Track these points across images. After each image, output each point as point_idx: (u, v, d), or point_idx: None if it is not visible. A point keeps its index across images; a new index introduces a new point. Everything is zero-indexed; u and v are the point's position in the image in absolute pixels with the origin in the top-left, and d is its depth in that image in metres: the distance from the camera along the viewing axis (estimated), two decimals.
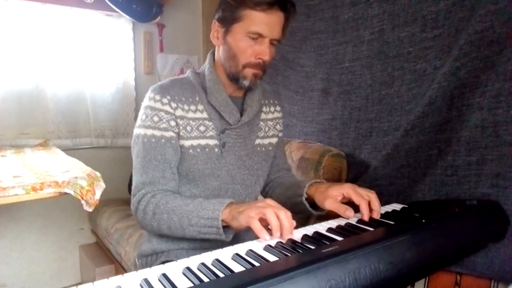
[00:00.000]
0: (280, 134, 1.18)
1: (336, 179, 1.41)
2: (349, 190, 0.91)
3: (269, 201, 0.81)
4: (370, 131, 1.39)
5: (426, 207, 1.09)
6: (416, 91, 1.23)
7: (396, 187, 1.29)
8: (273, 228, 0.75)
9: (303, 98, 1.69)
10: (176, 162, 0.99)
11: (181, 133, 0.98)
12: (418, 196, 1.22)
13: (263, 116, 1.12)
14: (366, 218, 0.88)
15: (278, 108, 1.18)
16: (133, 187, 0.98)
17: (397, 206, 1.06)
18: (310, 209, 1.01)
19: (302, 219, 1.21)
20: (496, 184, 1.04)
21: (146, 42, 2.25)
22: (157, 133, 0.96)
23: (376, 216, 0.90)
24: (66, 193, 1.06)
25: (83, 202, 1.08)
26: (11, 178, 1.10)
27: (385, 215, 0.97)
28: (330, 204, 0.91)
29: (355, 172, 1.44)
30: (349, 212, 0.87)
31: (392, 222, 0.88)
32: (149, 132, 0.97)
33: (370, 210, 0.90)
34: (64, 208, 2.06)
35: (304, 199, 1.00)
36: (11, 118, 1.86)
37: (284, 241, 0.76)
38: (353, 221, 0.90)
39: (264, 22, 0.91)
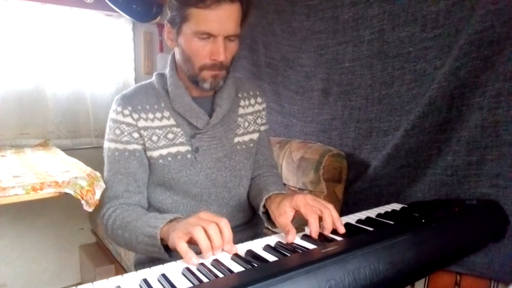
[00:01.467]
0: (262, 128, 1.08)
1: (336, 179, 1.41)
2: (298, 202, 0.79)
3: (202, 214, 0.72)
4: (370, 131, 1.39)
5: (426, 207, 1.09)
6: (416, 91, 1.23)
7: (396, 187, 1.29)
8: (203, 250, 0.67)
9: (303, 98, 1.69)
10: (142, 174, 0.95)
11: (146, 144, 0.93)
12: (418, 196, 1.22)
13: (241, 111, 1.03)
14: (313, 234, 0.76)
15: (259, 99, 1.08)
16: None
17: (397, 206, 1.06)
18: (267, 224, 0.94)
19: (301, 219, 1.21)
20: (496, 184, 1.04)
21: (146, 42, 2.25)
22: (120, 146, 0.93)
23: (327, 233, 0.78)
24: (66, 193, 1.06)
25: (83, 202, 1.08)
26: (11, 178, 1.10)
27: (385, 215, 0.97)
28: (281, 221, 0.80)
29: (355, 172, 1.44)
30: (290, 236, 0.75)
31: (391, 222, 0.88)
32: (112, 145, 0.94)
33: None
34: (64, 208, 2.06)
35: (261, 213, 0.92)
36: (11, 118, 1.86)
37: (212, 259, 0.67)
38: (353, 221, 0.90)
39: (211, 19, 0.83)
